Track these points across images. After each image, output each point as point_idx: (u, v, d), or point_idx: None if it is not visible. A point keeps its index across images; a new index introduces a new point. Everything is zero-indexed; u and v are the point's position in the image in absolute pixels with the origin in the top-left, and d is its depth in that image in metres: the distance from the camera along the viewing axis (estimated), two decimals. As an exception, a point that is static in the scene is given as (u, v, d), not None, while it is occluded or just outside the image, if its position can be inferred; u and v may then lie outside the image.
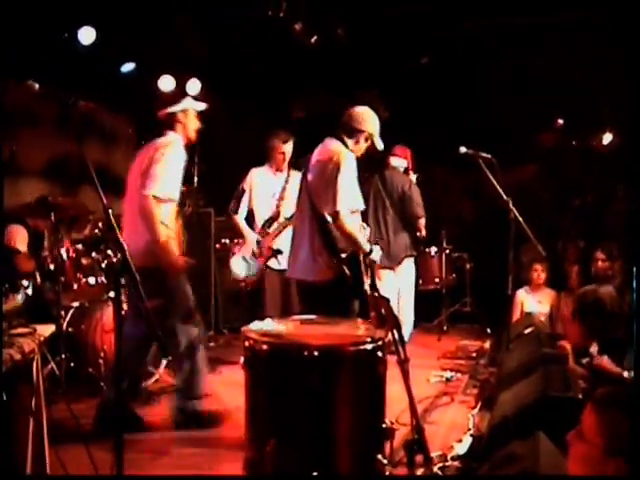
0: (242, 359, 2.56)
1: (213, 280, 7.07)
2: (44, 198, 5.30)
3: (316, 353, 2.38)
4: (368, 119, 4.07)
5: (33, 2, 5.54)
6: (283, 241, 5.56)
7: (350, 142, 4.02)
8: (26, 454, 2.54)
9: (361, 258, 3.75)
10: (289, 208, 5.43)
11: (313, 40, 6.41)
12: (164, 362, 5.11)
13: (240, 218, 5.91)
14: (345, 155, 3.93)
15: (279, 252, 5.70)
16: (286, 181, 5.87)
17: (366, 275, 3.75)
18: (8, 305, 2.54)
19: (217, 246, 7.14)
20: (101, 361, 4.74)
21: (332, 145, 4.06)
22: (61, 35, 6.10)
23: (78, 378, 4.87)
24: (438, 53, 7.63)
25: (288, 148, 5.86)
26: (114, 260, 4.95)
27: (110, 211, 2.46)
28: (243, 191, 5.92)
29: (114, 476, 1.13)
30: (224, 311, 7.19)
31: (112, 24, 6.46)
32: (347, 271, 3.70)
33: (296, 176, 4.93)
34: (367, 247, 3.85)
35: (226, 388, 5.18)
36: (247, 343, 2.52)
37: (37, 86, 2.53)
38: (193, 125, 4.41)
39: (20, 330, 2.49)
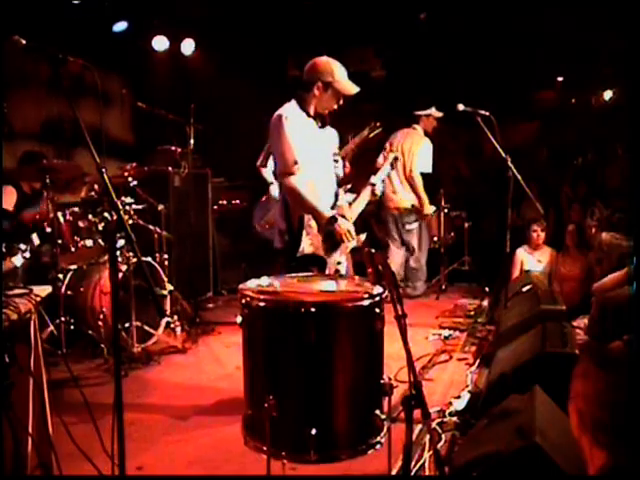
0: (239, 317, 2.55)
1: (211, 242, 7.06)
2: (34, 154, 5.26)
3: (313, 309, 2.37)
4: (319, 67, 3.67)
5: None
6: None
7: (307, 96, 3.67)
8: (27, 414, 2.55)
9: (309, 223, 3.46)
10: None
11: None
12: (162, 323, 5.13)
13: (268, 172, 5.58)
14: (284, 114, 3.60)
15: None
16: None
17: (324, 242, 3.47)
18: (4, 267, 2.51)
19: (215, 207, 7.11)
20: (100, 323, 4.74)
21: (285, 106, 3.73)
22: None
23: (78, 340, 4.90)
24: (435, 10, 7.52)
25: None
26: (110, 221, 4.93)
27: (104, 171, 2.41)
28: None
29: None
30: (222, 272, 7.20)
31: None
32: (286, 238, 3.55)
33: None
34: (327, 213, 3.49)
35: (225, 349, 5.22)
36: (244, 300, 2.51)
37: (24, 42, 2.46)
38: None
39: (16, 291, 2.48)
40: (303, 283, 2.79)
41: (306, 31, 7.46)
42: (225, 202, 7.25)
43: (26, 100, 6.11)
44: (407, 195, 6.96)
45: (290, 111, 3.63)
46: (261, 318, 2.50)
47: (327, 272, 3.43)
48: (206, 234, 6.93)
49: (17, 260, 4.22)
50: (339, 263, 3.52)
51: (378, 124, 5.39)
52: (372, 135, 5.36)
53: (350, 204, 3.76)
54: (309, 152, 3.59)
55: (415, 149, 6.88)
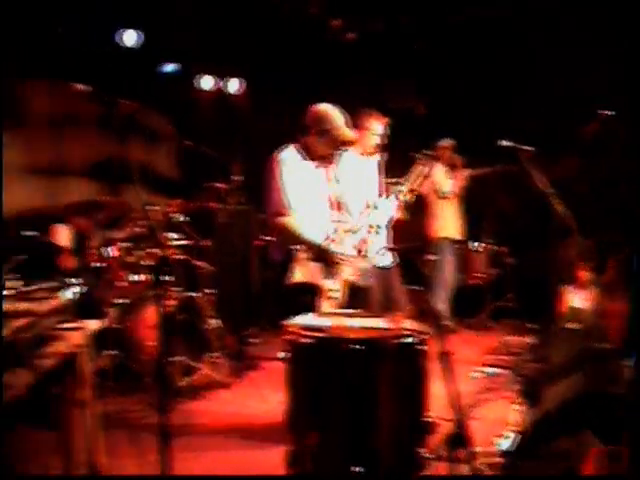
0: (283, 353, 2.58)
1: (255, 277, 7.12)
2: (89, 200, 5.45)
3: (357, 346, 2.38)
4: (316, 114, 3.84)
5: (79, 4, 5.67)
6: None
7: (305, 141, 3.87)
8: (78, 444, 2.61)
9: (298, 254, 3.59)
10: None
11: (350, 36, 6.39)
12: (207, 357, 5.18)
13: None
14: (275, 158, 3.82)
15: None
16: None
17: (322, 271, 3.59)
18: (55, 302, 2.59)
19: (258, 243, 7.18)
20: (146, 357, 4.81)
21: (287, 149, 3.94)
22: (105, 36, 6.23)
23: (124, 373, 4.97)
24: (476, 44, 7.56)
25: None
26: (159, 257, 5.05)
27: (149, 208, 2.48)
28: None
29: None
30: (266, 308, 7.23)
31: (154, 26, 6.58)
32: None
33: None
34: (316, 241, 3.66)
35: (269, 384, 5.24)
36: (288, 337, 2.54)
37: (83, 87, 2.58)
38: None
39: (68, 325, 2.56)
40: (347, 320, 2.81)
41: (347, 69, 7.57)
42: (269, 237, 7.31)
43: (77, 139, 6.31)
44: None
45: (287, 155, 3.82)
46: (305, 355, 2.52)
47: (320, 300, 3.51)
48: (250, 269, 7.00)
49: (68, 294, 4.33)
50: (333, 291, 3.60)
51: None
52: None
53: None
54: (304, 194, 3.75)
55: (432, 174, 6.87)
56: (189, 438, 4.09)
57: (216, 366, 5.36)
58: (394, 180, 4.52)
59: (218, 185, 6.38)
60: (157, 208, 5.36)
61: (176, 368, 4.87)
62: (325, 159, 3.87)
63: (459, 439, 2.19)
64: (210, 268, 5.80)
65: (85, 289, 4.83)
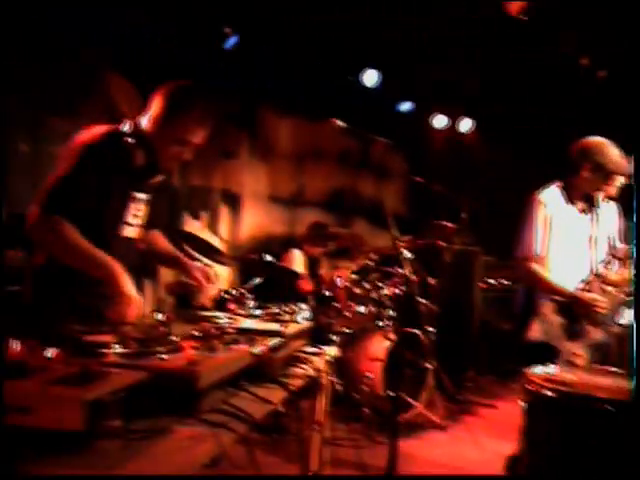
0: (522, 403, 2.47)
1: (477, 320, 6.96)
2: (321, 225, 5.73)
3: (607, 406, 2.21)
4: (589, 147, 3.45)
5: (325, 48, 6.04)
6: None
7: (573, 179, 3.48)
8: (313, 457, 2.70)
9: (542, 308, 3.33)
10: None
11: (601, 75, 6.07)
12: (423, 395, 5.13)
13: None
14: (537, 199, 3.49)
15: None
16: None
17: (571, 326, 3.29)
18: (299, 325, 2.72)
19: (483, 285, 7.02)
20: (366, 387, 4.88)
21: (549, 189, 3.58)
22: (347, 77, 6.55)
23: (343, 401, 5.08)
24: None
25: None
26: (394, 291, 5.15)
27: (398, 244, 2.53)
28: None
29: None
30: (486, 352, 7.02)
31: (393, 65, 6.79)
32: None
33: None
34: (568, 291, 3.34)
35: (484, 430, 5.06)
36: (529, 387, 2.43)
37: (341, 124, 2.72)
38: None
39: (311, 349, 2.67)
40: (593, 375, 2.62)
41: (590, 110, 7.21)
42: (493, 280, 7.13)
43: (317, 171, 6.67)
44: None
45: (549, 196, 3.51)
46: (547, 409, 2.39)
47: (559, 364, 3.18)
48: (472, 311, 6.86)
49: (299, 318, 4.55)
50: (576, 355, 3.25)
51: None
52: None
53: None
54: (561, 242, 3.46)
55: None
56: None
57: (432, 406, 5.29)
58: None
59: (446, 224, 6.35)
60: (403, 243, 5.46)
61: (394, 403, 4.87)
62: (591, 199, 3.55)
63: None
64: (433, 307, 5.77)
65: (315, 315, 5.06)
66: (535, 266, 3.44)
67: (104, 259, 2.27)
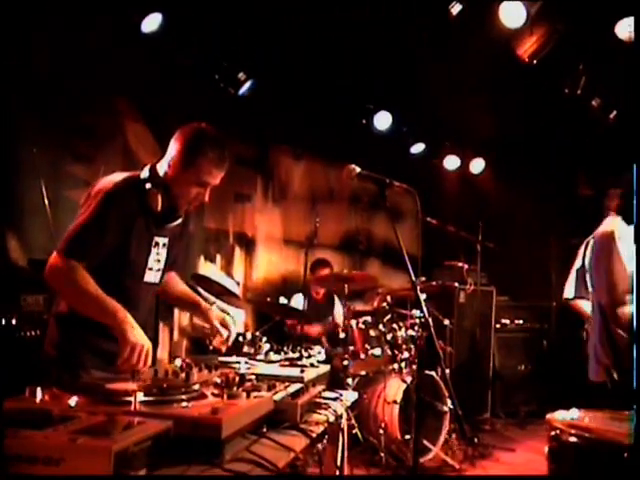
0: (546, 449, 2.43)
1: (492, 361, 6.89)
2: (322, 261, 5.74)
3: (631, 455, 2.17)
4: None
5: (339, 91, 6.13)
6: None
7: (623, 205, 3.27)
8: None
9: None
10: None
11: (612, 116, 6.12)
12: (441, 439, 5.06)
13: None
14: (616, 232, 3.22)
15: None
16: None
17: None
18: (316, 370, 2.71)
19: (497, 326, 6.97)
20: (381, 431, 4.82)
21: (606, 222, 3.37)
22: (360, 120, 6.64)
23: (358, 443, 5.02)
24: None
25: None
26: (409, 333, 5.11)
27: (418, 287, 2.53)
28: None
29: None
30: (502, 394, 6.94)
31: (403, 108, 6.87)
32: (615, 375, 3.10)
33: None
34: None
35: (505, 475, 4.97)
36: (553, 432, 2.39)
37: (358, 169, 2.75)
38: None
39: (329, 394, 2.65)
40: (618, 421, 2.58)
41: (599, 147, 7.23)
42: (508, 321, 7.09)
43: (330, 213, 6.71)
44: None
45: (621, 228, 3.24)
46: (571, 454, 2.35)
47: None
48: (487, 352, 6.80)
49: (316, 362, 4.52)
50: None
51: None
52: None
53: None
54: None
55: None
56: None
57: (450, 449, 5.22)
58: None
59: (460, 264, 6.35)
60: (420, 285, 5.44)
61: (410, 447, 4.80)
62: None
63: None
64: (448, 348, 5.74)
65: (331, 358, 5.03)
66: (628, 311, 3.10)
67: (111, 306, 2.27)
